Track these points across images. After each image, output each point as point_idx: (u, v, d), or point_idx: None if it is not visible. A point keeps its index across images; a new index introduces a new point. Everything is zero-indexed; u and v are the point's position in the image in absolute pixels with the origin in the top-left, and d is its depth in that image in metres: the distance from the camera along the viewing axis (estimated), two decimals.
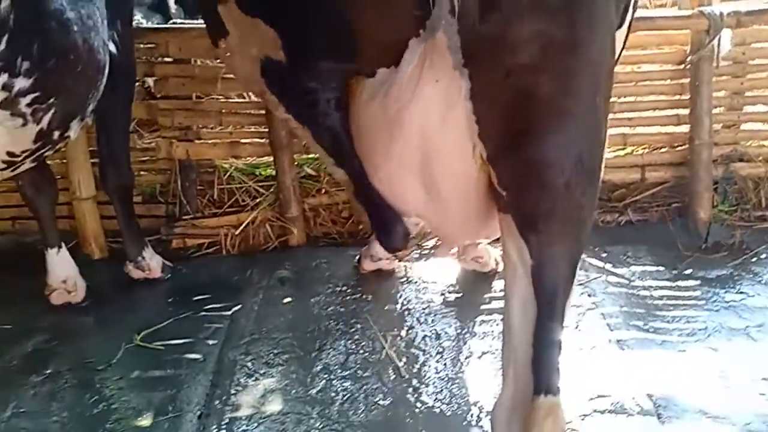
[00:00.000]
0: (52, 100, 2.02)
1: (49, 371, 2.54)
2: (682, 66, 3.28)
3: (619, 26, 1.70)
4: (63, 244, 2.95)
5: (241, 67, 1.85)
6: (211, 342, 2.69)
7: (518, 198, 1.49)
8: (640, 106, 3.41)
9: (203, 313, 2.88)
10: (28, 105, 1.97)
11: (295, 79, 1.62)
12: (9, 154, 2.08)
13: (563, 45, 1.36)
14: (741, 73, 3.30)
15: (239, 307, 2.90)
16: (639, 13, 3.63)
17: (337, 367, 2.50)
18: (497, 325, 2.70)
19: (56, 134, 2.14)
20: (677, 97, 3.36)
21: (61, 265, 2.92)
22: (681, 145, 3.38)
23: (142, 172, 3.47)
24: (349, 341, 2.64)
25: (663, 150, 3.43)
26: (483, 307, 2.84)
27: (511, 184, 1.49)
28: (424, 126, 1.48)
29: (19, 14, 1.86)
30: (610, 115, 3.29)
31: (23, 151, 2.12)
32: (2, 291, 3.05)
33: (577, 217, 1.49)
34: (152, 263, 3.10)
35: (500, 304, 2.80)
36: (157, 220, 3.46)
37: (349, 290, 2.97)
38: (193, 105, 3.34)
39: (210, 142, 3.39)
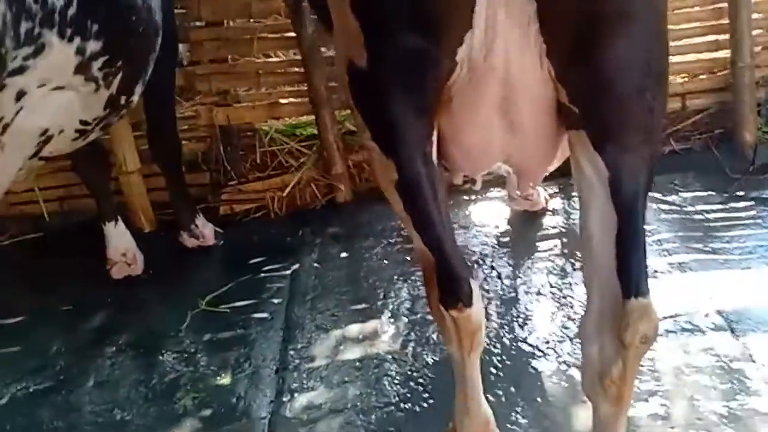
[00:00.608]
0: (120, 63, 2.03)
1: (122, 342, 2.60)
2: None
3: None
4: (119, 218, 2.99)
5: (337, 72, 1.74)
6: (276, 301, 2.73)
7: (591, 110, 1.46)
8: (678, 34, 3.36)
9: (263, 275, 2.92)
10: (100, 69, 1.98)
11: (378, 93, 1.53)
12: (82, 122, 2.09)
13: None
14: None
15: (297, 266, 2.94)
16: None
17: (404, 312, 2.53)
18: (551, 261, 2.73)
19: (123, 99, 2.15)
20: (714, 21, 3.32)
21: (119, 237, 2.97)
22: (721, 70, 3.36)
23: (183, 141, 3.49)
24: (412, 288, 2.67)
25: (703, 77, 3.40)
26: (538, 244, 2.86)
27: (583, 98, 1.47)
28: (507, 68, 1.43)
29: None
30: None
31: (95, 119, 2.13)
32: (60, 272, 3.10)
33: (650, 122, 1.46)
34: (205, 231, 3.14)
35: (554, 241, 2.89)
36: (202, 188, 3.50)
37: (402, 240, 3.00)
38: (230, 68, 3.35)
39: (249, 105, 3.40)
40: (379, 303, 2.62)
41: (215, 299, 2.78)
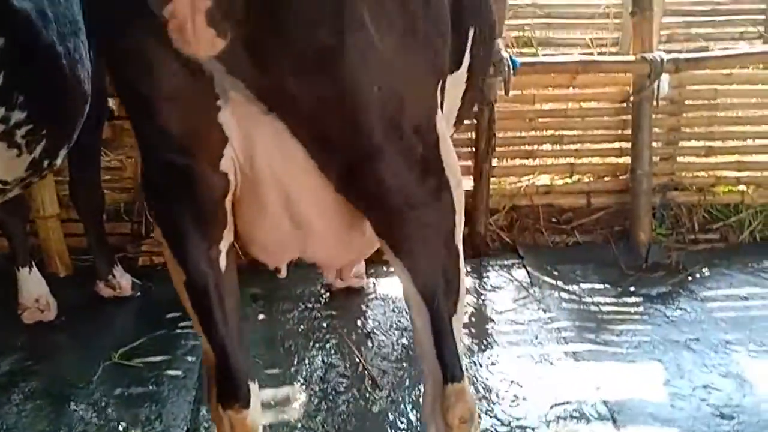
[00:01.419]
0: (44, 131, 2.08)
1: (31, 389, 2.57)
2: (624, 104, 3.59)
3: (455, 69, 1.89)
4: (34, 263, 2.97)
5: None
6: (190, 359, 2.76)
7: (372, 222, 1.60)
8: (586, 138, 3.70)
9: (178, 331, 2.94)
10: (23, 136, 2.03)
11: (157, 200, 1.60)
12: (2, 182, 2.12)
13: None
14: (677, 111, 3.64)
15: None
16: (586, 57, 4.01)
17: (317, 380, 2.62)
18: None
19: (46, 162, 2.20)
20: (619, 131, 3.66)
21: (33, 283, 2.94)
22: (623, 175, 3.69)
23: (106, 191, 3.51)
24: (327, 356, 2.77)
25: (607, 179, 3.72)
26: None
27: (363, 210, 1.59)
28: (274, 173, 1.51)
29: (14, 50, 1.92)
30: (560, 146, 3.65)
31: (14, 179, 2.17)
32: None
33: (427, 232, 1.59)
34: (122, 281, 3.16)
35: None
36: (122, 238, 3.51)
37: (321, 306, 3.11)
38: None
39: None
40: (293, 369, 2.70)
41: (128, 352, 2.79)
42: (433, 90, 1.58)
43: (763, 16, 5.30)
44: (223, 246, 1.65)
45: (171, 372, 2.70)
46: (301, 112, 1.40)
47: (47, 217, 3.31)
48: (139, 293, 3.22)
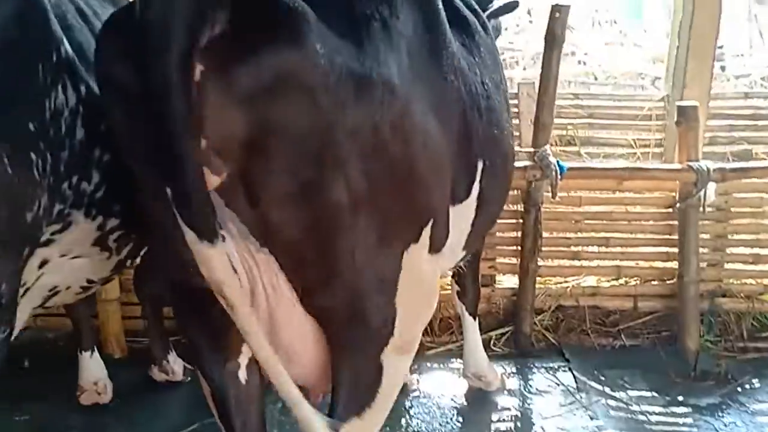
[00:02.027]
0: (133, 234, 2.22)
1: None
2: (670, 209, 3.65)
3: (464, 198, 2.02)
4: (96, 347, 3.08)
5: None
6: None
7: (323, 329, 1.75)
8: (633, 241, 3.74)
9: None
10: (115, 240, 2.16)
11: (181, 321, 1.84)
12: (89, 281, 2.25)
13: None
14: (724, 218, 3.67)
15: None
16: (633, 163, 4.10)
17: None
18: None
19: (129, 262, 2.33)
20: (666, 236, 3.70)
21: (93, 367, 3.05)
22: (669, 279, 3.70)
23: None
24: None
25: (654, 282, 3.75)
26: (491, 424, 3.03)
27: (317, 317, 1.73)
28: (269, 308, 1.65)
29: (115, 162, 2.05)
30: (606, 249, 3.69)
31: (100, 278, 2.30)
32: (27, 388, 3.14)
33: (356, 346, 1.76)
34: (176, 366, 3.24)
35: (507, 424, 3.06)
36: (173, 322, 3.59)
37: None
38: None
39: None
40: None
41: None
42: (417, 228, 1.72)
43: None
44: (243, 359, 1.81)
45: None
46: (283, 241, 1.55)
47: (108, 300, 3.43)
48: (189, 378, 3.29)
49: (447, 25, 1.89)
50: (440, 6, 1.87)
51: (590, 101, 4.90)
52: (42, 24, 1.77)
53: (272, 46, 1.37)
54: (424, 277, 1.82)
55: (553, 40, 3.30)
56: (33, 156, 1.67)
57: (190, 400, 3.15)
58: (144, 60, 1.30)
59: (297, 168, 1.47)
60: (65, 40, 1.85)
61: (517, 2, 2.94)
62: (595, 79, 7.18)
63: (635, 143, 4.82)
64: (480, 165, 2.07)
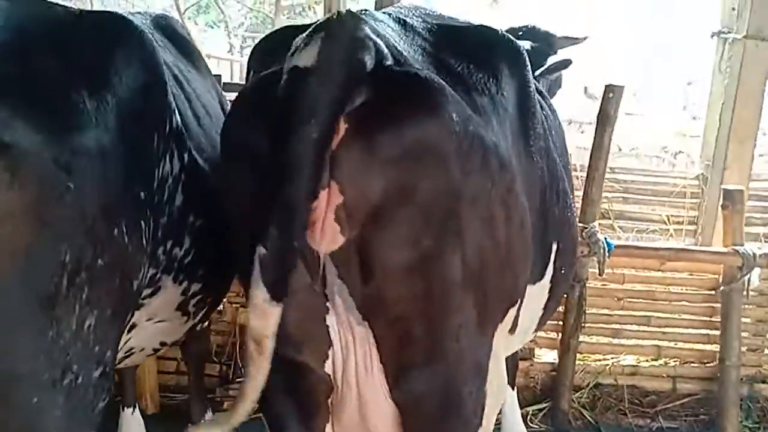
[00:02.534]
0: (210, 299, 2.20)
1: None
2: (713, 292, 3.64)
3: (539, 280, 2.03)
4: (137, 405, 3.03)
5: None
6: None
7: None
8: (674, 323, 3.72)
9: None
10: (194, 305, 2.16)
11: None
12: (162, 343, 2.24)
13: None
14: (766, 303, 3.66)
15: None
16: (678, 245, 4.11)
17: None
18: None
19: (200, 326, 2.31)
20: (707, 318, 3.68)
21: (134, 425, 2.99)
22: (710, 362, 3.67)
23: None
24: None
25: (694, 364, 3.71)
26: None
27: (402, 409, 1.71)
28: (358, 384, 1.66)
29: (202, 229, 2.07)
30: (648, 328, 3.65)
31: (174, 341, 2.28)
32: None
33: None
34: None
35: None
36: (209, 379, 3.55)
37: None
38: None
39: None
40: None
41: None
42: (507, 308, 1.73)
43: None
44: None
45: None
46: (389, 316, 1.55)
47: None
48: None
49: (538, 106, 1.92)
50: (533, 87, 1.90)
51: (625, 176, 4.95)
52: (161, 95, 1.79)
53: (414, 112, 1.43)
54: (499, 359, 1.81)
55: (606, 119, 3.34)
56: (142, 224, 1.67)
57: None
58: (288, 126, 1.34)
59: (419, 238, 1.48)
60: (176, 110, 1.87)
61: (571, 60, 2.99)
62: (619, 150, 7.25)
63: (668, 219, 4.85)
64: (555, 247, 2.08)
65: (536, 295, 2.07)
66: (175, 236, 1.93)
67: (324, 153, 1.35)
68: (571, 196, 2.45)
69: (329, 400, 1.73)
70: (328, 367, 1.66)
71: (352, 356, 1.62)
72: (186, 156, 1.91)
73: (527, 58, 1.91)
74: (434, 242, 1.49)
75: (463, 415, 1.67)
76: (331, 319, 1.59)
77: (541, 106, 2.27)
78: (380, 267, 1.49)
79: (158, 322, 2.05)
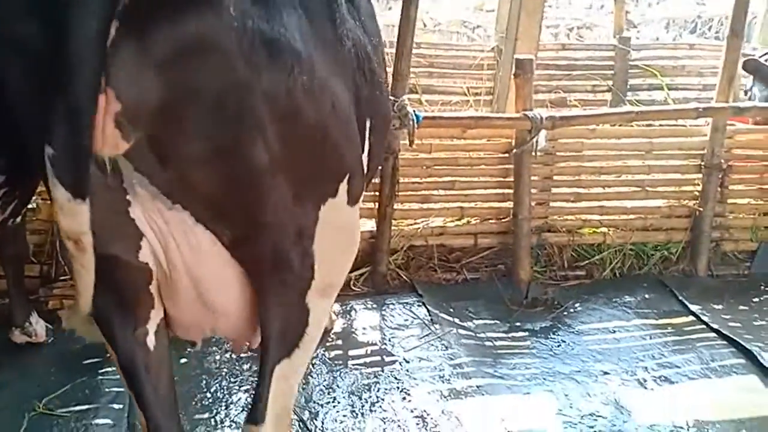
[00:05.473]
0: (17, 192, 2.12)
1: None
2: (507, 155, 4.04)
3: None
4: None
5: None
6: (116, 406, 2.82)
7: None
8: (475, 185, 4.10)
9: (100, 377, 2.98)
10: (0, 198, 2.07)
11: None
12: None
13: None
14: (551, 162, 4.13)
15: None
16: (478, 114, 4.42)
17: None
18: (375, 377, 3.17)
19: (11, 221, 2.23)
20: (502, 179, 4.10)
21: None
22: (505, 218, 4.13)
23: None
24: (249, 397, 2.92)
25: (492, 221, 4.15)
26: (365, 360, 3.29)
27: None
28: (185, 263, 1.73)
29: None
30: (452, 192, 4.00)
31: None
32: None
33: (282, 290, 1.86)
34: (38, 328, 3.13)
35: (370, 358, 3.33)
36: (31, 281, 3.44)
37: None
38: None
39: None
40: (222, 414, 2.84)
41: (53, 401, 2.80)
42: (334, 184, 1.84)
43: (611, 72, 6.06)
44: (151, 326, 1.85)
45: (100, 421, 2.75)
46: (198, 199, 1.62)
47: None
48: (51, 338, 3.19)
49: None
50: None
51: (428, 50, 5.18)
52: None
53: (187, 7, 1.39)
54: (343, 226, 1.94)
55: None
56: None
57: (56, 362, 3.07)
58: (57, 17, 1.28)
59: (212, 133, 1.50)
60: None
61: None
62: (424, 26, 7.48)
63: (468, 91, 5.20)
64: (368, 123, 2.21)
65: None
66: None
67: (99, 54, 1.29)
68: (383, 74, 2.56)
69: (150, 287, 1.77)
70: (143, 257, 1.68)
71: (171, 240, 1.66)
72: None
73: None
74: (230, 136, 1.52)
75: (295, 270, 1.82)
76: (135, 211, 1.60)
77: None
78: (176, 161, 1.51)
79: None
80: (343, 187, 1.86)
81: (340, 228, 1.92)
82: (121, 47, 1.33)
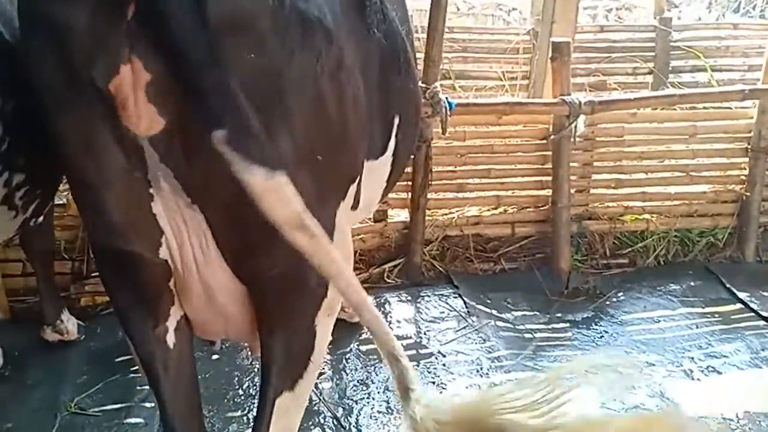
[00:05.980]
0: (39, 191, 2.08)
1: None
2: (544, 141, 3.90)
3: (381, 155, 2.04)
4: None
5: None
6: (148, 405, 2.77)
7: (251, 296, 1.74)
8: (511, 173, 3.97)
9: (131, 375, 2.94)
10: (20, 198, 2.03)
11: (107, 285, 1.70)
12: None
13: None
14: (591, 148, 3.97)
15: None
16: (513, 99, 4.28)
17: None
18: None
19: (33, 221, 2.19)
20: (540, 166, 3.97)
21: None
22: (543, 206, 3.99)
23: None
24: None
25: (529, 209, 4.02)
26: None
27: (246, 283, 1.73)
28: (198, 267, 1.64)
29: (15, 112, 1.93)
30: (488, 180, 3.88)
31: (4, 239, 2.15)
32: None
33: (290, 314, 1.75)
34: (69, 325, 3.11)
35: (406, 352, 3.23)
36: (62, 278, 3.43)
37: None
38: None
39: None
40: (254, 411, 2.77)
41: (84, 401, 2.78)
42: (347, 185, 1.74)
43: (652, 54, 5.85)
44: (171, 323, 1.76)
45: (132, 420, 2.71)
46: (217, 201, 1.52)
47: None
48: (83, 336, 3.17)
49: None
50: None
51: (462, 35, 5.05)
52: None
53: None
54: (346, 234, 1.85)
55: None
56: None
57: (88, 361, 3.05)
58: None
59: None
60: None
61: None
62: (458, 9, 7.34)
63: (504, 76, 5.06)
64: (396, 120, 2.09)
65: (379, 169, 2.09)
66: None
67: (118, 22, 1.24)
68: (414, 64, 2.45)
69: (169, 284, 1.69)
70: (163, 254, 1.60)
71: (187, 242, 1.59)
72: None
73: None
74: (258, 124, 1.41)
75: (309, 288, 1.71)
76: (157, 207, 1.52)
77: None
78: (205, 150, 1.38)
79: None
80: (352, 190, 1.77)
81: (345, 237, 1.82)
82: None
